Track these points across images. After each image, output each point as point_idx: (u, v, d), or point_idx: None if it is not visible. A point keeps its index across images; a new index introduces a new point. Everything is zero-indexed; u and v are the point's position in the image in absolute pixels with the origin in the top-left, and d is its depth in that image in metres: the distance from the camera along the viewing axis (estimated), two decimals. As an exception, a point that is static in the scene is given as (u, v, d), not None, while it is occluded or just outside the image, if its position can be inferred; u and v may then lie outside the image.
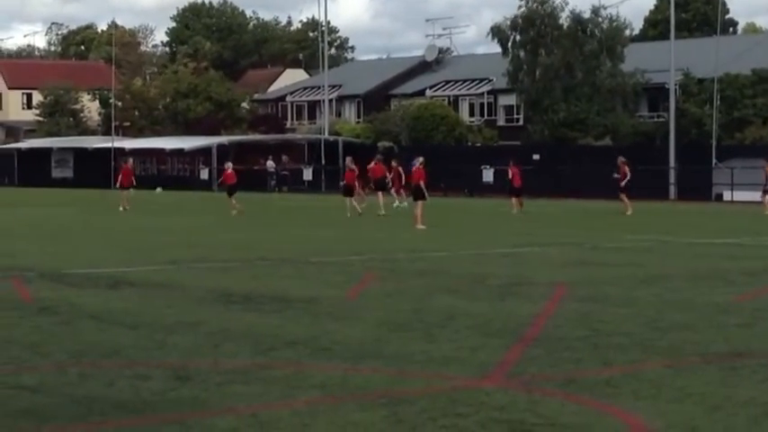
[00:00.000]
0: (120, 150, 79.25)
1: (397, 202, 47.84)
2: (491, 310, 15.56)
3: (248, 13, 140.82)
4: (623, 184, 43.55)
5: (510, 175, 46.97)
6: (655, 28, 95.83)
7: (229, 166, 45.32)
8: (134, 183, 48.12)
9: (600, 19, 69.70)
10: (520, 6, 70.03)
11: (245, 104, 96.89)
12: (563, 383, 10.62)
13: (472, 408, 9.59)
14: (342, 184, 44.31)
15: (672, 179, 63.05)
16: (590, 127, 68.38)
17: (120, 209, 44.50)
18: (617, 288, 18.28)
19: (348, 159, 43.48)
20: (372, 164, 45.58)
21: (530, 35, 69.43)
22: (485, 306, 16.05)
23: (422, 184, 34.93)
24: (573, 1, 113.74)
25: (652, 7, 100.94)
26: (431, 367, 11.48)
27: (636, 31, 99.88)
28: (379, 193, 43.16)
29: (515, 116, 79.67)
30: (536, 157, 67.66)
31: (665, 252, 26.40)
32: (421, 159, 35.66)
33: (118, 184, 46.99)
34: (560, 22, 69.48)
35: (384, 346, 12.71)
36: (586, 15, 69.87)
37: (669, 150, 63.37)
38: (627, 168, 43.79)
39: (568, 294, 17.44)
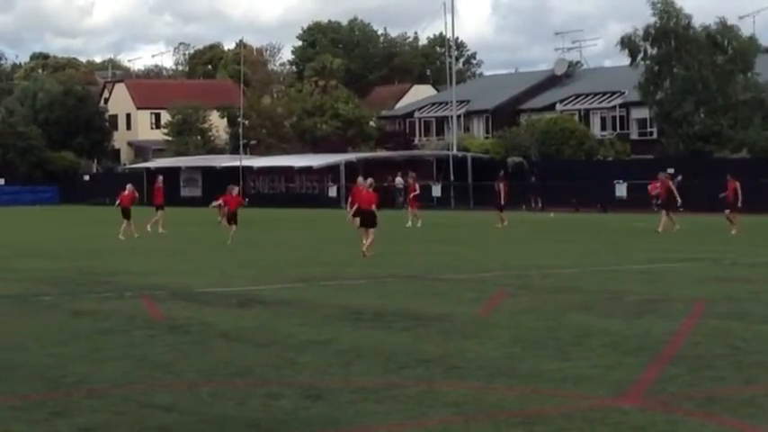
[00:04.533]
0: (249, 169, 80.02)
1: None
2: (627, 328, 15.22)
3: (376, 28, 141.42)
4: None
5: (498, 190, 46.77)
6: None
7: (129, 187, 43.14)
8: (163, 202, 44.18)
9: (733, 33, 68.18)
10: (653, 14, 68.77)
11: (372, 122, 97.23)
12: (703, 403, 10.32)
13: (609, 427, 9.37)
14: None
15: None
16: (725, 140, 67.02)
17: (148, 228, 41.77)
18: (758, 305, 17.78)
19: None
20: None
21: (663, 47, 68.30)
22: (620, 323, 15.71)
23: (373, 208, 32.13)
24: (705, 13, 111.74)
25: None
26: (565, 386, 11.25)
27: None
28: None
29: (648, 129, 78.48)
30: (671, 170, 66.62)
31: (806, 267, 25.69)
32: (369, 181, 34.28)
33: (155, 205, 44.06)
34: (692, 33, 68.18)
35: (518, 364, 12.51)
36: (720, 26, 68.45)
37: (809, 163, 61.89)
38: None
39: (707, 311, 17.00)
